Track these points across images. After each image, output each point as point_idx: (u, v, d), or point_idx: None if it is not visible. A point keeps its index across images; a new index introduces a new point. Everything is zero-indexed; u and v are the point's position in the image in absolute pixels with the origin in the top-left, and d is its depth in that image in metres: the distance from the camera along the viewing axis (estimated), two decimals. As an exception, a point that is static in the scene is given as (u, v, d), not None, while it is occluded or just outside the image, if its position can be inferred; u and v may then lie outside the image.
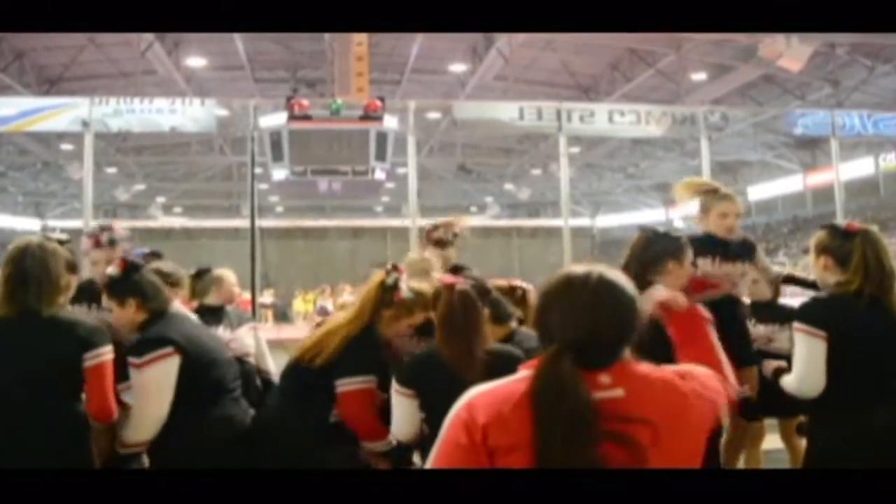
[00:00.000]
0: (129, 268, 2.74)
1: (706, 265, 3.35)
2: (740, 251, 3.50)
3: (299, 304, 22.18)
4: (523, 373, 1.43)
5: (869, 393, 2.35)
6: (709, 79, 16.99)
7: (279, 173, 10.62)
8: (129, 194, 23.32)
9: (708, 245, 3.39)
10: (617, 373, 1.40)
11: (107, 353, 2.44)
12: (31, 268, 2.40)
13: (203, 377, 2.61)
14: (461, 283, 2.49)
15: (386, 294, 2.71)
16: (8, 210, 27.40)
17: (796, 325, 2.48)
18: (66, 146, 18.78)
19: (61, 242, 2.53)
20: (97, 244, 3.30)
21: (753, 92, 17.96)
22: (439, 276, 2.62)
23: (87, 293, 3.08)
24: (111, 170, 22.99)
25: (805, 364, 2.43)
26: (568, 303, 1.43)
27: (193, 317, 3.04)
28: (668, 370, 1.47)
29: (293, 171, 10.25)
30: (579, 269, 1.47)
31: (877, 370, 2.37)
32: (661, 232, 2.92)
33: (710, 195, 3.51)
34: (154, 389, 2.53)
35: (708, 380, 1.49)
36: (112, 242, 3.31)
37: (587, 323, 1.40)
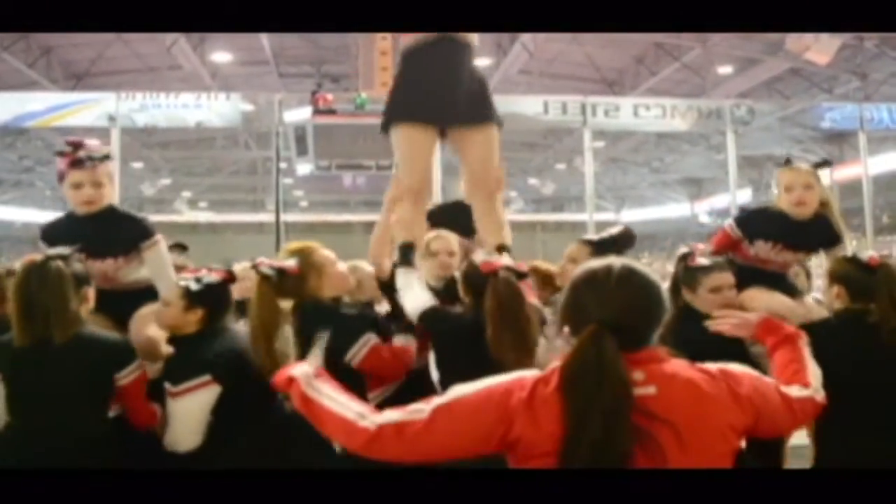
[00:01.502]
0: (230, 279, 2.62)
1: (765, 250, 2.97)
2: (814, 240, 2.97)
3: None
4: (554, 365, 1.43)
5: (848, 425, 2.25)
6: (735, 72, 16.79)
7: (304, 168, 10.69)
8: (155, 189, 23.53)
9: (774, 226, 2.94)
10: (651, 370, 1.41)
11: (138, 366, 2.40)
12: (36, 296, 2.30)
13: (239, 406, 2.40)
14: (503, 268, 2.44)
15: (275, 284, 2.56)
16: (36, 205, 27.76)
17: None
18: (93, 141, 19.02)
19: (63, 258, 2.39)
20: (74, 163, 2.76)
21: (780, 86, 17.72)
22: (482, 259, 2.52)
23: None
24: (137, 164, 23.21)
25: None
26: (596, 289, 1.45)
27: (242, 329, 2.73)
28: (700, 368, 1.47)
29: (318, 166, 10.31)
30: (601, 261, 1.51)
31: (862, 404, 2.26)
32: (684, 255, 2.79)
33: (777, 171, 3.05)
34: (187, 421, 2.38)
35: (751, 382, 1.49)
36: (91, 160, 2.77)
37: (617, 304, 1.42)
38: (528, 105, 11.42)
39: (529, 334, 2.38)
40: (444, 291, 2.80)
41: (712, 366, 1.49)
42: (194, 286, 2.51)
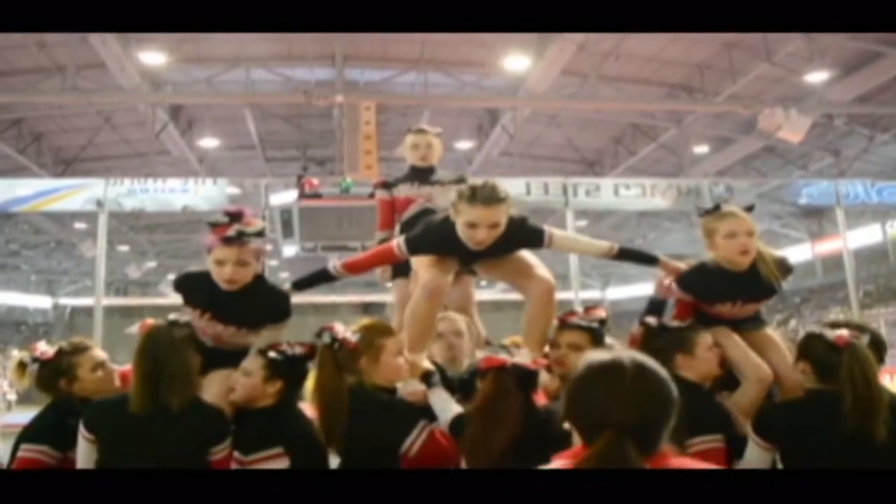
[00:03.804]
0: (312, 354, 2.59)
1: (727, 308, 2.86)
2: (763, 288, 2.87)
3: (311, 382, 21.90)
4: (558, 462, 1.41)
5: None
6: (711, 151, 17.22)
7: (289, 250, 10.74)
8: (141, 272, 23.50)
9: (722, 286, 2.84)
10: (656, 461, 1.37)
11: (229, 443, 2.40)
12: (165, 363, 2.32)
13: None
14: (501, 367, 2.33)
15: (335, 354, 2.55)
16: (20, 288, 27.59)
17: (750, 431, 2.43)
18: (80, 225, 19.06)
19: (186, 326, 2.43)
20: (226, 241, 2.61)
21: (756, 163, 18.16)
22: (482, 357, 2.43)
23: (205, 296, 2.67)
24: (123, 248, 23.25)
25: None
26: (610, 388, 1.39)
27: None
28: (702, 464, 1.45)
29: (303, 248, 10.35)
30: (605, 354, 1.46)
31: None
32: (662, 326, 2.72)
33: (708, 217, 2.92)
34: None
35: None
36: (241, 237, 2.62)
37: (636, 407, 1.37)
38: (510, 186, 11.24)
39: (500, 437, 2.23)
40: (461, 386, 2.75)
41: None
42: (277, 357, 2.51)
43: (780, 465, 2.41)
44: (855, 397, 2.23)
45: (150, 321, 2.46)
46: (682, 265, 3.06)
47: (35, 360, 2.74)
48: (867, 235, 22.07)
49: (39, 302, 28.30)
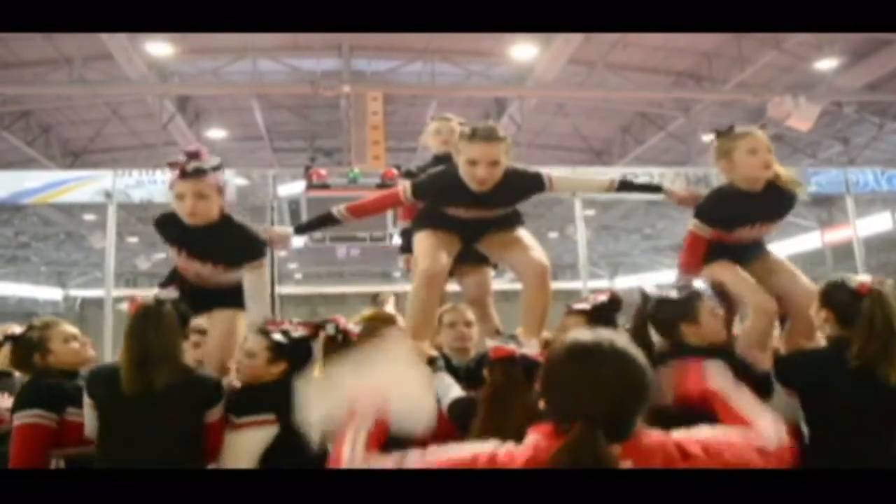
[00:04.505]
0: (315, 334, 2.65)
1: (746, 232, 2.89)
2: (783, 205, 2.92)
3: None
4: (533, 438, 1.43)
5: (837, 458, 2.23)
6: (720, 140, 17.10)
7: (297, 240, 10.72)
8: (150, 263, 23.54)
9: (743, 209, 2.86)
10: (628, 443, 1.37)
11: (222, 404, 2.48)
12: (153, 345, 2.36)
13: (287, 452, 2.41)
14: (510, 356, 2.33)
15: (339, 345, 2.63)
16: (30, 280, 27.71)
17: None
18: (89, 216, 19.09)
19: (173, 301, 2.48)
20: (183, 174, 2.77)
21: (765, 151, 18.02)
22: (493, 345, 2.45)
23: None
24: (132, 239, 23.28)
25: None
26: (585, 375, 1.38)
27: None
28: (677, 441, 1.43)
29: (312, 238, 10.37)
30: (587, 336, 1.45)
31: (850, 436, 2.24)
32: (663, 297, 2.69)
33: (724, 138, 2.91)
34: (240, 454, 2.44)
35: (725, 450, 1.44)
36: (199, 172, 2.77)
37: (609, 397, 1.36)
38: None
39: (514, 425, 2.26)
40: (469, 373, 2.77)
41: (691, 435, 1.46)
42: (282, 339, 2.57)
43: (800, 412, 2.43)
44: (873, 339, 2.25)
45: (140, 299, 2.48)
46: (685, 191, 3.23)
47: (7, 338, 2.79)
48: (877, 223, 21.86)
49: (50, 293, 28.39)
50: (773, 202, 2.90)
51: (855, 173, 12.36)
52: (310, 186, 10.11)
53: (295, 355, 2.60)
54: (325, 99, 12.78)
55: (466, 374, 2.79)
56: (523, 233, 3.18)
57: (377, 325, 2.66)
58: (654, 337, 2.66)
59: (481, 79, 13.90)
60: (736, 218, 2.90)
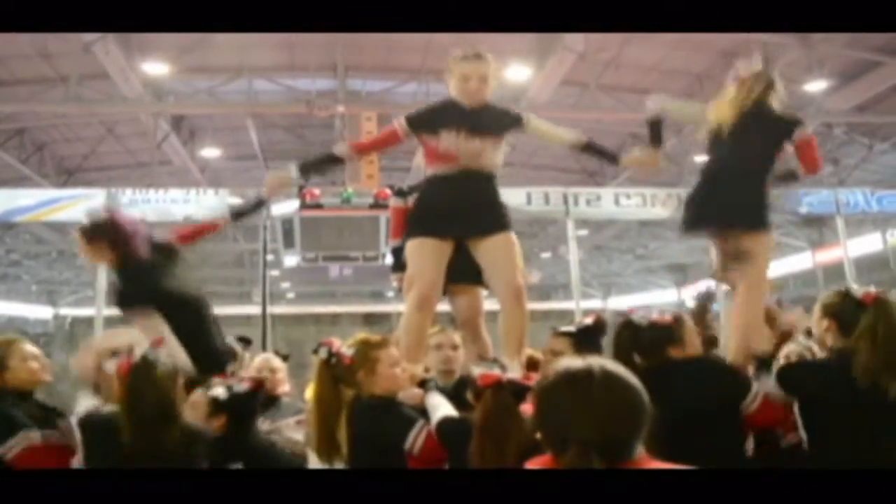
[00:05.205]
0: (258, 388, 2.67)
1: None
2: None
3: (310, 393, 21.87)
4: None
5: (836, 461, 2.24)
6: (712, 160, 17.19)
7: (290, 260, 10.75)
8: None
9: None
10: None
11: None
12: (148, 408, 2.31)
13: None
14: (499, 383, 2.32)
15: (333, 368, 2.65)
16: (21, 298, 27.57)
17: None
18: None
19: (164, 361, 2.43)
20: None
21: (757, 172, 18.11)
22: (480, 372, 2.43)
23: None
24: (125, 258, 23.21)
25: None
26: (576, 400, 1.38)
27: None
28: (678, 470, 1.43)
29: (304, 258, 10.37)
30: (577, 363, 1.45)
31: (849, 447, 2.25)
32: (646, 323, 2.73)
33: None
34: None
35: None
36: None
37: (602, 421, 1.35)
38: (511, 196, 11.52)
39: (509, 451, 2.21)
40: (455, 395, 2.77)
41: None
42: (220, 395, 2.57)
43: (799, 420, 2.47)
44: (874, 351, 2.24)
45: (126, 362, 2.40)
46: (644, 154, 3.47)
47: None
48: (868, 244, 21.99)
49: (40, 312, 28.24)
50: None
51: (845, 194, 12.47)
52: (303, 206, 10.14)
53: (234, 410, 2.58)
54: (319, 119, 12.83)
55: (450, 398, 2.79)
56: (508, 242, 3.20)
57: (369, 348, 2.67)
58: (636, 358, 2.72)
59: (475, 99, 13.95)
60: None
